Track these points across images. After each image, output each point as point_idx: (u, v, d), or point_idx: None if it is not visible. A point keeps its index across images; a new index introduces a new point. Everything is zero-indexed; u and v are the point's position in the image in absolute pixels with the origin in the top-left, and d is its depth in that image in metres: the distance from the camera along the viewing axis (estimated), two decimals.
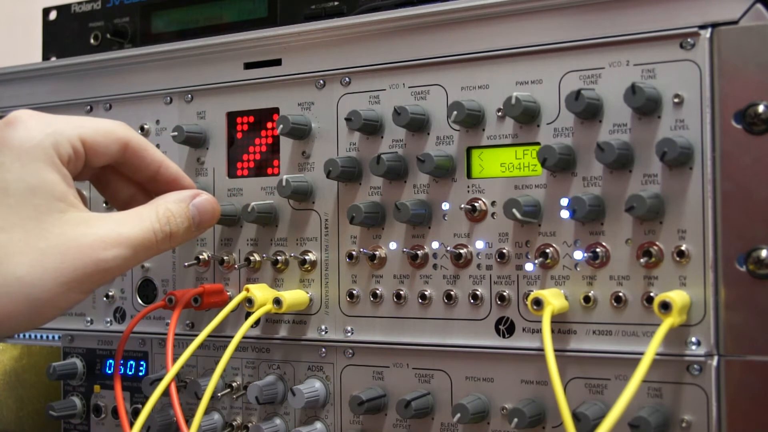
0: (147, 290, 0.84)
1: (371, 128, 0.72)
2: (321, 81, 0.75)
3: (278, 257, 0.76)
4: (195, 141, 0.80)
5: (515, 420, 0.64)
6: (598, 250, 0.63)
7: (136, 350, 0.85)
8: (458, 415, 0.66)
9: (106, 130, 0.64)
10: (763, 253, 0.58)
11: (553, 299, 0.63)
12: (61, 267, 0.58)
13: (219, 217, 0.70)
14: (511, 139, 0.67)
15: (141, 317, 0.76)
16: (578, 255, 0.64)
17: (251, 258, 0.77)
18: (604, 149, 0.61)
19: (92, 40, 0.97)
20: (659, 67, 0.62)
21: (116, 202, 0.70)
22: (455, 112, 0.66)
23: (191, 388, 0.78)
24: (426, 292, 0.70)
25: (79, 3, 0.98)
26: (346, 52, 0.74)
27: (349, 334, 0.73)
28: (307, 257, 0.75)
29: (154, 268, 0.83)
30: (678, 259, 0.61)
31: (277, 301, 0.72)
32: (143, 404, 0.78)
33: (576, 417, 0.61)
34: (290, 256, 0.76)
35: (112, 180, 0.69)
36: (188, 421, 0.76)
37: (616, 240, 0.63)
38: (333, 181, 0.73)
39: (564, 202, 0.65)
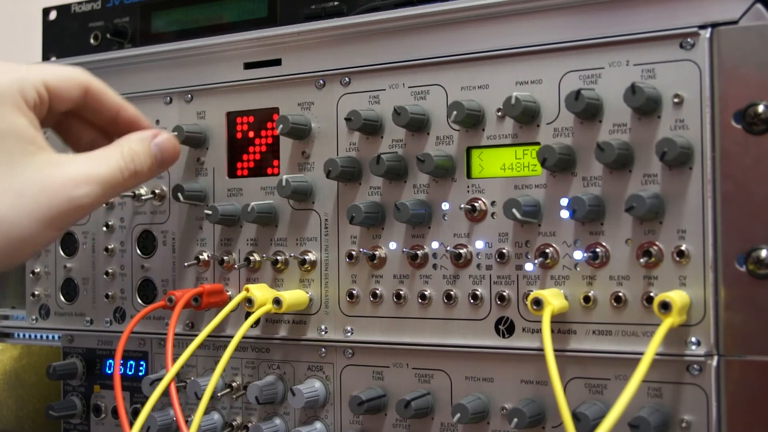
0: (147, 290, 0.84)
1: (371, 128, 0.72)
2: (321, 81, 0.75)
3: (278, 257, 0.76)
4: (195, 141, 0.80)
5: (515, 420, 0.64)
6: (598, 250, 0.63)
7: (136, 350, 0.85)
8: (458, 415, 0.66)
9: (67, 75, 0.67)
10: (763, 253, 0.58)
11: (553, 299, 0.63)
12: (37, 206, 0.60)
13: (179, 154, 0.72)
14: (511, 139, 0.67)
15: (141, 317, 0.76)
16: (578, 255, 0.64)
17: (251, 258, 0.77)
18: (604, 149, 0.61)
19: (92, 40, 0.97)
20: (659, 67, 0.62)
21: (78, 147, 0.72)
22: (455, 112, 0.66)
23: (191, 388, 0.78)
24: (426, 292, 0.70)
25: (79, 3, 0.98)
26: (346, 52, 0.74)
27: (348, 334, 0.73)
28: (307, 257, 0.75)
29: (154, 268, 0.83)
30: (678, 259, 0.61)
31: (277, 301, 0.72)
32: (143, 404, 0.78)
33: (576, 417, 0.61)
34: (290, 256, 0.76)
35: (74, 125, 0.71)
36: (188, 421, 0.76)
37: (616, 240, 0.63)
38: (333, 181, 0.73)
39: (564, 202, 0.65)
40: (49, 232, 0.62)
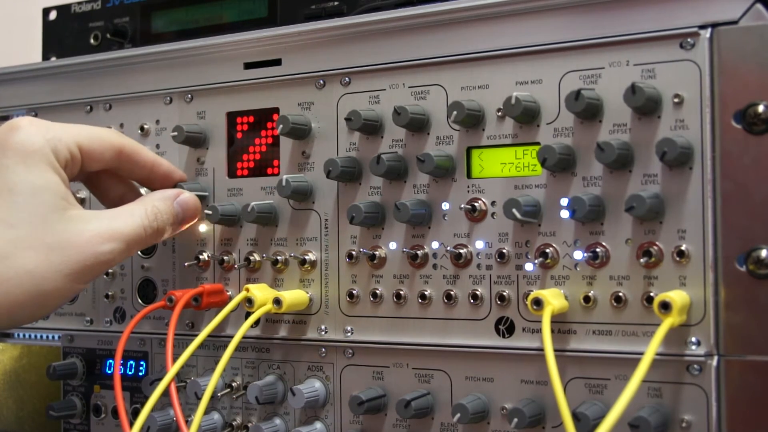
0: (147, 290, 0.84)
1: (371, 128, 0.72)
2: (321, 81, 0.75)
3: (278, 257, 0.76)
4: (195, 141, 0.80)
5: (515, 420, 0.64)
6: (598, 250, 0.63)
7: (136, 350, 0.85)
8: (458, 415, 0.66)
9: (101, 137, 0.70)
10: (763, 253, 0.58)
11: (553, 299, 0.63)
12: (65, 260, 0.63)
13: (200, 214, 0.75)
14: (511, 139, 0.67)
15: (141, 317, 0.76)
16: (578, 255, 0.64)
17: (251, 258, 0.77)
18: (604, 149, 0.61)
19: (92, 40, 0.97)
20: (659, 67, 0.62)
21: (107, 201, 0.75)
22: (455, 112, 0.66)
23: (191, 388, 0.78)
24: (426, 292, 0.70)
25: (79, 3, 0.98)
26: (346, 52, 0.74)
27: (348, 334, 0.73)
28: (307, 257, 0.75)
29: (154, 268, 0.83)
30: (678, 259, 0.61)
31: (277, 301, 0.72)
32: (143, 404, 0.78)
33: (576, 417, 0.61)
34: (290, 256, 0.76)
35: (104, 181, 0.74)
36: (188, 421, 0.76)
37: (616, 240, 0.63)
38: (333, 181, 0.73)
39: (564, 202, 0.65)
40: (75, 286, 0.65)
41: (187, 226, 0.76)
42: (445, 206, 0.69)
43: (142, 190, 0.78)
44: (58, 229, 0.63)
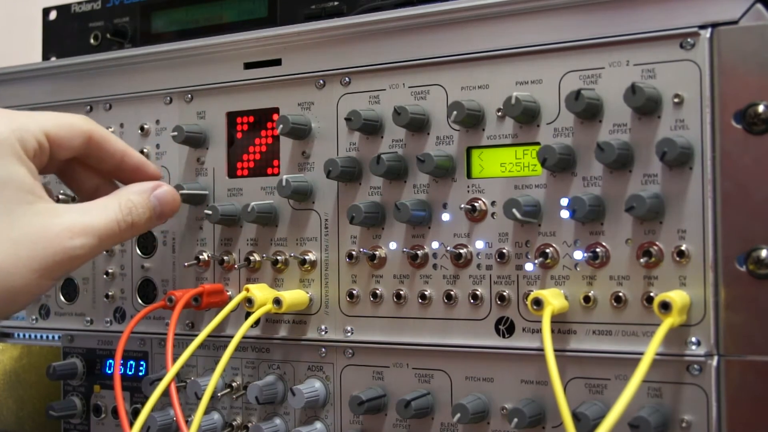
0: (147, 290, 0.84)
1: (371, 128, 0.72)
2: (321, 81, 0.75)
3: (278, 257, 0.76)
4: (195, 141, 0.80)
5: (515, 420, 0.64)
6: (598, 250, 0.63)
7: (136, 350, 0.85)
8: (458, 415, 0.66)
9: (68, 123, 0.67)
10: (763, 253, 0.58)
11: (553, 299, 0.63)
12: (33, 255, 0.60)
13: (179, 207, 0.72)
14: (511, 139, 0.67)
15: (141, 317, 0.76)
16: (578, 255, 0.64)
17: (251, 258, 0.77)
18: (604, 149, 0.61)
19: (92, 40, 0.97)
20: (659, 67, 0.62)
21: (82, 194, 0.73)
22: (455, 112, 0.66)
23: (191, 388, 0.78)
24: (426, 292, 0.70)
25: (79, 3, 0.98)
26: (346, 52, 0.74)
27: (349, 334, 0.73)
28: (307, 257, 0.75)
29: (154, 268, 0.83)
30: (678, 259, 0.61)
31: (277, 301, 0.72)
32: (143, 404, 0.78)
33: (576, 417, 0.61)
34: (290, 256, 0.76)
35: (77, 172, 0.72)
36: (188, 421, 0.76)
37: (616, 240, 0.63)
38: (333, 181, 0.73)
39: (564, 202, 0.65)
40: (44, 282, 0.62)
41: (165, 220, 0.73)
42: (445, 206, 0.69)
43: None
44: (24, 222, 0.61)
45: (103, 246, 0.65)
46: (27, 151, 0.63)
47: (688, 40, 0.61)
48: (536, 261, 0.65)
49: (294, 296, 0.74)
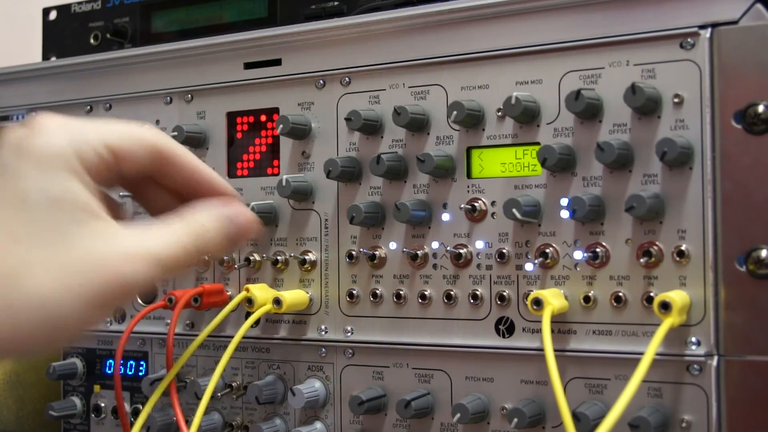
0: (147, 290, 0.84)
1: (371, 128, 0.72)
2: (321, 81, 0.75)
3: (278, 257, 0.76)
4: (195, 141, 0.80)
5: (515, 420, 0.64)
6: (598, 250, 0.63)
7: (136, 350, 0.85)
8: (458, 415, 0.66)
9: (133, 135, 0.59)
10: (763, 253, 0.58)
11: (553, 299, 0.63)
12: (84, 283, 0.53)
13: (257, 230, 0.63)
14: (511, 139, 0.67)
15: (141, 317, 0.76)
16: (578, 255, 0.64)
17: (251, 258, 0.77)
18: (604, 149, 0.61)
19: (92, 40, 0.97)
20: (659, 67, 0.62)
21: (152, 212, 0.65)
22: (455, 112, 0.66)
23: (191, 388, 0.78)
24: (426, 292, 0.70)
25: (79, 3, 0.98)
26: (346, 52, 0.74)
27: (349, 334, 0.73)
28: (307, 257, 0.75)
29: None
30: (678, 259, 0.61)
31: (277, 301, 0.72)
32: (143, 404, 0.78)
33: (576, 417, 0.61)
34: (290, 256, 0.76)
35: (147, 188, 0.64)
36: (188, 421, 0.76)
37: (616, 240, 0.63)
38: (333, 181, 0.73)
39: (564, 202, 0.65)
40: (96, 312, 0.54)
41: (240, 246, 0.65)
42: (445, 206, 0.69)
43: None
44: (75, 245, 0.54)
45: (167, 274, 0.57)
46: (85, 164, 0.56)
47: (688, 40, 0.61)
48: (536, 261, 0.65)
49: (294, 296, 0.74)
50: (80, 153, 0.56)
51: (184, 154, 0.61)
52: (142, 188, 0.64)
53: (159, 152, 0.60)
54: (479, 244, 0.68)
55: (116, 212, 0.59)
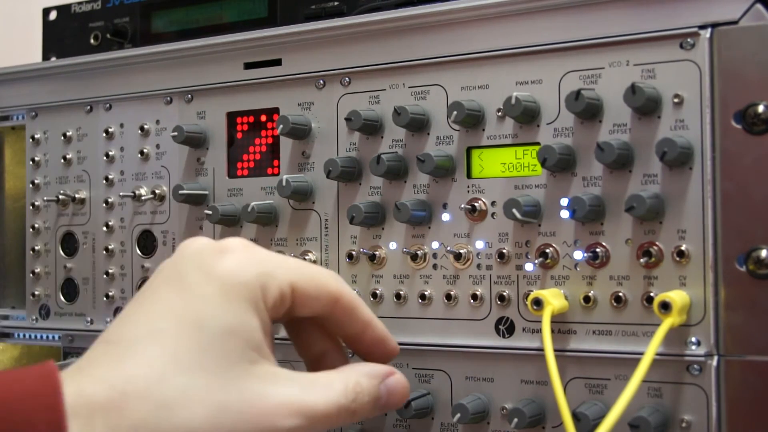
0: None
1: (371, 128, 0.72)
2: (321, 81, 0.75)
3: None
4: (195, 141, 0.80)
5: (515, 420, 0.64)
6: (598, 250, 0.63)
7: None
8: (458, 415, 0.66)
9: (319, 280, 0.57)
10: (763, 253, 0.58)
11: (553, 299, 0.63)
12: (236, 426, 0.50)
13: (406, 400, 0.61)
14: (511, 139, 0.67)
15: None
16: (578, 255, 0.64)
17: None
18: (604, 149, 0.61)
19: (92, 40, 0.97)
20: (659, 67, 0.62)
21: (306, 354, 0.62)
22: (455, 112, 0.66)
23: None
24: (426, 292, 0.70)
25: (79, 3, 0.98)
26: (346, 52, 0.74)
27: None
28: (307, 257, 0.75)
29: (154, 268, 0.83)
30: (678, 259, 0.61)
31: None
32: None
33: (576, 417, 0.61)
34: (290, 256, 0.75)
35: (308, 331, 0.61)
36: None
37: (616, 240, 0.63)
38: (333, 181, 0.73)
39: (564, 202, 0.65)
40: None
41: (386, 412, 0.63)
42: (445, 206, 0.69)
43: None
44: (238, 386, 0.51)
45: (313, 428, 0.54)
46: (266, 300, 0.54)
47: (688, 40, 0.61)
48: (536, 261, 0.65)
49: None
50: (265, 288, 0.54)
51: (363, 306, 0.59)
52: (301, 328, 0.61)
53: (340, 302, 0.58)
54: (479, 244, 0.68)
55: (273, 346, 0.57)
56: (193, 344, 0.50)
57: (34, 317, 0.90)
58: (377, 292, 0.72)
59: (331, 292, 0.57)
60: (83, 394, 0.47)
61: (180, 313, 0.51)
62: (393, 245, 0.71)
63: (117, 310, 0.85)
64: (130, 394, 0.48)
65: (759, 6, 0.59)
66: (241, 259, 0.53)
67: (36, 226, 0.90)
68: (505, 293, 0.67)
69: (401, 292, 0.71)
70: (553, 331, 0.64)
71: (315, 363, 0.60)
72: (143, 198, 0.83)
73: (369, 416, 0.58)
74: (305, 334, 0.61)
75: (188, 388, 0.49)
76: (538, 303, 0.63)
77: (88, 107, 0.87)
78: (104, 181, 0.86)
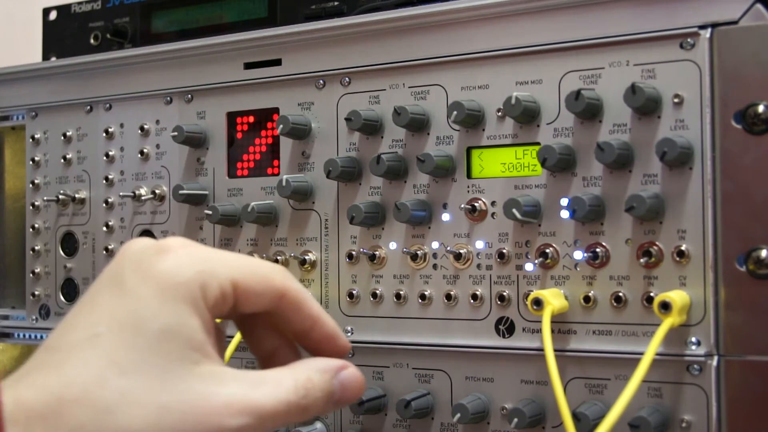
0: None
1: (371, 128, 0.72)
2: (321, 81, 0.75)
3: (278, 257, 0.76)
4: (195, 141, 0.80)
5: (515, 420, 0.64)
6: (598, 250, 0.63)
7: None
8: (458, 415, 0.66)
9: (263, 275, 0.56)
10: (763, 253, 0.58)
11: (553, 299, 0.63)
12: (179, 427, 0.50)
13: (362, 394, 0.60)
14: (511, 139, 0.67)
15: None
16: (578, 255, 0.64)
17: None
18: (604, 149, 0.61)
19: (92, 40, 0.97)
20: (659, 67, 0.62)
21: (258, 351, 0.61)
22: (455, 112, 0.66)
23: None
24: (426, 292, 0.70)
25: (79, 3, 0.98)
26: (346, 52, 0.74)
27: (349, 334, 0.73)
28: (307, 257, 0.75)
29: None
30: (678, 259, 0.61)
31: None
32: None
33: (576, 417, 0.61)
34: (290, 256, 0.76)
35: (257, 328, 0.60)
36: None
37: (616, 240, 0.63)
38: (333, 181, 0.73)
39: (564, 202, 0.65)
40: None
41: (341, 408, 0.62)
42: (445, 206, 0.69)
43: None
44: (180, 387, 0.50)
45: (264, 428, 0.53)
46: (207, 299, 0.53)
47: (688, 40, 0.61)
48: (536, 261, 0.65)
49: None
50: (205, 287, 0.53)
51: (310, 301, 0.58)
52: (251, 325, 0.60)
53: (285, 297, 0.57)
54: (479, 244, 0.68)
55: (222, 344, 0.56)
56: (131, 347, 0.50)
57: (34, 317, 0.90)
58: (377, 292, 0.72)
59: (276, 288, 0.56)
60: (21, 402, 0.46)
61: (118, 316, 0.50)
62: (393, 245, 0.71)
63: None
64: (68, 399, 0.47)
65: (759, 6, 0.59)
66: (180, 258, 0.53)
67: (36, 226, 0.90)
68: (505, 293, 0.67)
69: (401, 292, 0.71)
70: (553, 331, 0.64)
71: (267, 360, 0.59)
72: (143, 198, 0.83)
73: (323, 412, 0.57)
74: (255, 331, 0.60)
75: (128, 390, 0.49)
76: (538, 303, 0.63)
77: (88, 107, 0.87)
78: (104, 181, 0.86)
